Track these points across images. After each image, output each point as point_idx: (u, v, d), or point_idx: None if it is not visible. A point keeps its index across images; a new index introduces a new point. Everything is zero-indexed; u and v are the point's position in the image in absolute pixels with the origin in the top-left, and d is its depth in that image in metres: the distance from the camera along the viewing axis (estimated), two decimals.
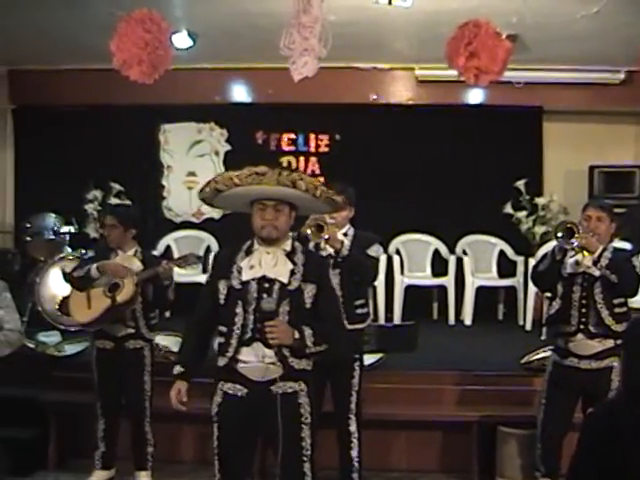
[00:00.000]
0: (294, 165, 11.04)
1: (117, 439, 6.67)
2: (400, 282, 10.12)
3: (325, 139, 11.09)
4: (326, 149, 11.11)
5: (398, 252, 10.42)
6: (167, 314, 8.05)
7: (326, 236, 5.94)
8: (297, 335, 4.50)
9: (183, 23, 8.59)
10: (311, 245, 5.95)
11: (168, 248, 10.50)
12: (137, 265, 6.42)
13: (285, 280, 4.60)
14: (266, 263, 4.64)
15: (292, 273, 4.63)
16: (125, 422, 6.63)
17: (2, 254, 9.89)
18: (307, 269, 4.66)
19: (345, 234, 6.21)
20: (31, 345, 7.92)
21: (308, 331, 4.54)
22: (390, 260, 10.05)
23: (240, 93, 10.97)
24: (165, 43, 7.02)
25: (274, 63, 7.84)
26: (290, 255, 4.69)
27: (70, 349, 7.99)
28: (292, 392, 4.60)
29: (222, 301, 4.69)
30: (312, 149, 11.12)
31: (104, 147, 10.88)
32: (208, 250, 10.33)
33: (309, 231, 5.95)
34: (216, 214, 11.16)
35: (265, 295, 4.56)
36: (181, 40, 8.71)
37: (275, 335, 4.45)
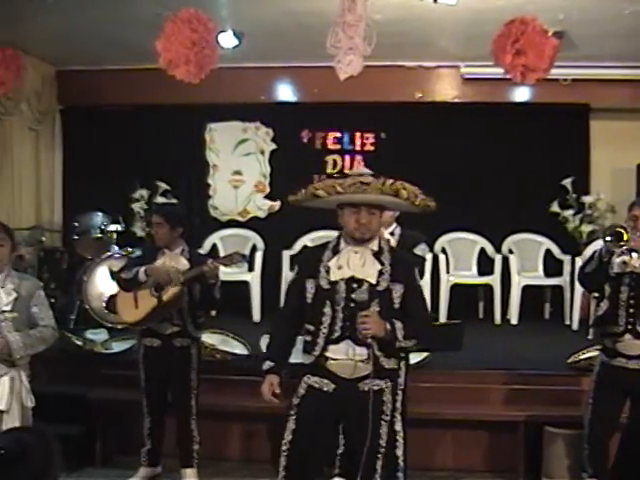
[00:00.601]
0: (339, 164, 11.04)
1: (163, 436, 6.70)
2: (446, 281, 10.07)
3: (370, 137, 11.07)
4: (371, 147, 11.09)
5: (444, 251, 10.37)
6: (213, 313, 8.07)
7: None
8: (388, 327, 4.55)
9: (229, 22, 8.61)
10: None
11: (214, 247, 10.53)
12: (184, 264, 6.43)
13: (373, 281, 4.64)
14: (354, 263, 4.67)
15: (380, 273, 4.66)
16: (171, 419, 6.66)
17: (51, 252, 9.97)
18: (394, 269, 4.70)
19: (392, 233, 6.20)
20: (79, 343, 7.98)
21: (399, 324, 4.60)
22: (436, 259, 10.00)
23: (285, 92, 10.97)
24: (211, 42, 7.05)
25: (319, 62, 7.85)
26: (377, 255, 4.72)
27: (117, 347, 8.03)
28: (378, 389, 4.67)
29: (309, 300, 4.73)
30: (357, 147, 11.10)
31: (150, 146, 10.95)
32: (254, 249, 10.36)
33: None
34: (262, 213, 11.19)
35: (354, 296, 4.59)
36: (227, 39, 8.73)
37: (368, 326, 4.49)
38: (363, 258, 4.68)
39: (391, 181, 4.57)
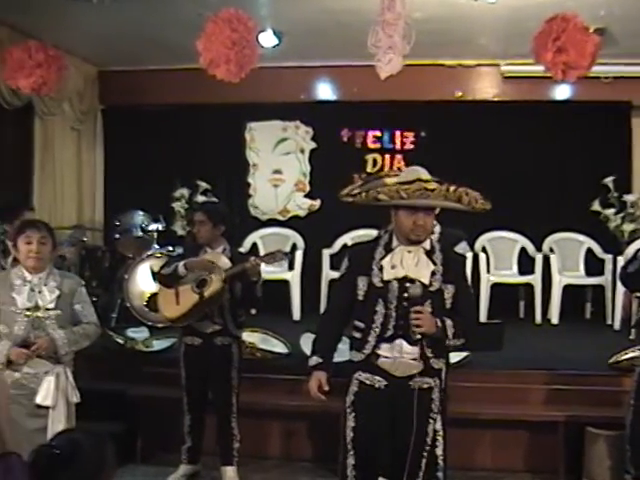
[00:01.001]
0: (379, 163, 11.02)
1: (203, 434, 6.73)
2: (486, 280, 10.03)
3: (410, 136, 11.04)
4: (411, 146, 11.06)
5: (484, 250, 10.33)
6: (253, 311, 8.09)
7: None
8: (439, 324, 4.57)
9: (268, 22, 8.63)
10: None
11: (254, 246, 10.55)
12: (225, 262, 6.44)
13: (426, 281, 4.64)
14: (407, 263, 4.66)
15: (433, 274, 4.67)
16: (211, 417, 6.69)
17: (92, 251, 10.04)
18: (446, 269, 4.71)
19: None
20: (120, 341, 8.04)
21: (449, 322, 4.61)
22: (476, 258, 9.95)
23: (325, 91, 10.98)
24: (252, 42, 7.07)
25: (359, 61, 7.85)
26: (430, 254, 4.72)
27: (158, 345, 8.07)
28: (427, 387, 4.69)
29: (361, 297, 4.72)
30: (397, 146, 11.08)
31: (191, 146, 11.00)
32: (294, 247, 10.37)
33: None
34: (302, 212, 11.21)
35: (406, 295, 4.59)
36: (266, 39, 8.75)
37: (420, 322, 4.51)
38: (416, 258, 4.68)
39: (454, 187, 4.55)
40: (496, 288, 10.06)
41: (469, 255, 8.89)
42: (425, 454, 4.73)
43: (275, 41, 8.93)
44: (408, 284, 4.60)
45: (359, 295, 4.71)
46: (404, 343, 4.60)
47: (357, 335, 4.73)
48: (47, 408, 5.37)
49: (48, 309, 5.40)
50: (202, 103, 10.51)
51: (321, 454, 7.18)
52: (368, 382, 4.69)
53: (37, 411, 5.36)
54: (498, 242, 10.48)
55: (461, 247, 6.22)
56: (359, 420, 4.72)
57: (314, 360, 4.81)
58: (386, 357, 4.63)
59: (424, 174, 4.67)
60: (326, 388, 4.75)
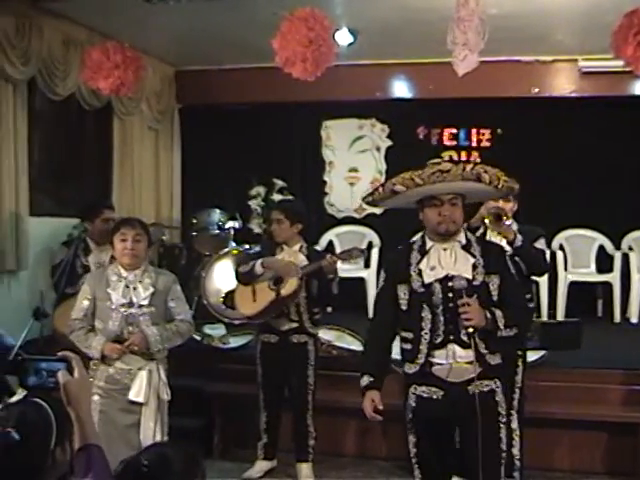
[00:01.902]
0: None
1: (279, 431, 6.78)
2: (564, 278, 9.91)
3: (487, 133, 10.93)
4: (487, 143, 10.96)
5: (562, 248, 10.20)
6: (329, 309, 8.11)
7: (508, 222, 5.81)
8: (489, 315, 4.41)
9: (343, 20, 8.63)
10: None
11: (330, 243, 10.57)
12: (302, 260, 6.48)
13: (469, 276, 4.49)
14: (445, 261, 4.52)
15: (474, 267, 4.51)
16: (287, 414, 6.73)
17: (170, 249, 10.14)
18: (487, 260, 4.55)
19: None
20: (197, 337, 8.10)
21: (499, 312, 4.45)
22: (554, 256, 9.83)
23: (401, 88, 10.94)
24: (328, 40, 7.07)
25: (435, 58, 7.84)
26: (467, 247, 4.58)
27: (234, 342, 8.16)
28: (489, 390, 4.51)
29: (404, 307, 4.58)
30: (474, 143, 10.98)
31: (267, 144, 11.04)
32: (370, 245, 10.36)
33: (487, 221, 5.82)
34: (378, 210, 11.18)
35: (450, 295, 4.45)
36: (342, 37, 8.76)
37: (469, 315, 4.35)
38: (454, 254, 4.54)
39: (471, 165, 4.41)
40: (574, 286, 9.94)
41: (547, 253, 8.81)
42: (502, 461, 4.55)
43: (350, 39, 8.92)
44: (450, 283, 4.45)
45: (402, 304, 4.58)
46: (456, 347, 4.44)
47: (407, 347, 4.59)
48: (140, 404, 5.48)
49: (142, 305, 5.52)
50: (278, 102, 10.54)
51: (397, 453, 7.13)
52: (425, 395, 4.54)
53: (130, 407, 5.49)
54: (576, 240, 10.34)
55: (540, 243, 6.14)
56: (420, 435, 4.61)
57: (365, 380, 4.66)
58: (440, 364, 4.47)
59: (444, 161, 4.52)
60: (380, 407, 4.60)
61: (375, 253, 10.18)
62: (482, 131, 10.95)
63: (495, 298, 4.54)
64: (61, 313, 6.57)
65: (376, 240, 10.49)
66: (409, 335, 4.56)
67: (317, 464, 6.76)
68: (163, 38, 9.46)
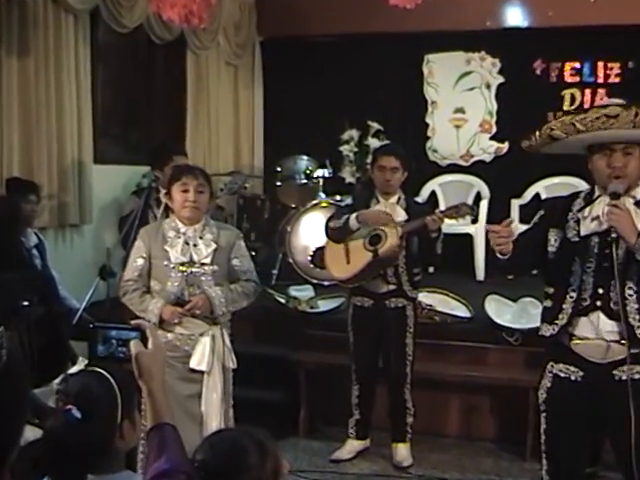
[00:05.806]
0: (578, 99, 10.76)
1: (373, 407, 6.80)
2: None
3: (615, 67, 10.70)
4: (617, 79, 10.73)
5: None
6: (431, 269, 8.10)
7: None
8: None
9: None
10: None
11: (432, 194, 10.51)
12: (401, 214, 6.42)
13: (633, 239, 4.16)
14: None
15: None
16: (382, 388, 6.75)
17: (251, 200, 10.18)
18: None
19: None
20: (281, 300, 8.16)
21: None
22: None
23: (515, 16, 10.77)
24: None
25: None
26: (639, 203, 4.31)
27: (324, 305, 8.14)
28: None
29: (551, 255, 4.44)
30: (600, 80, 10.76)
31: (360, 81, 11.01)
32: (478, 197, 10.27)
33: None
34: (487, 156, 11.09)
35: (607, 252, 4.19)
36: None
37: (615, 217, 4.10)
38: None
39: None
40: None
41: None
42: None
43: None
44: (610, 238, 4.14)
45: (549, 252, 4.43)
46: (602, 316, 4.24)
47: (548, 304, 4.47)
48: (202, 373, 5.53)
49: (204, 264, 5.52)
50: (373, 33, 10.49)
51: (506, 434, 7.15)
52: (562, 374, 4.41)
53: (191, 376, 5.52)
54: None
55: None
56: (552, 423, 4.50)
57: None
58: (580, 338, 4.31)
59: (613, 104, 4.26)
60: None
61: (484, 206, 10.08)
62: (610, 65, 10.71)
63: None
64: None
65: (485, 191, 10.38)
66: (551, 290, 4.46)
67: (416, 445, 6.78)
68: None
